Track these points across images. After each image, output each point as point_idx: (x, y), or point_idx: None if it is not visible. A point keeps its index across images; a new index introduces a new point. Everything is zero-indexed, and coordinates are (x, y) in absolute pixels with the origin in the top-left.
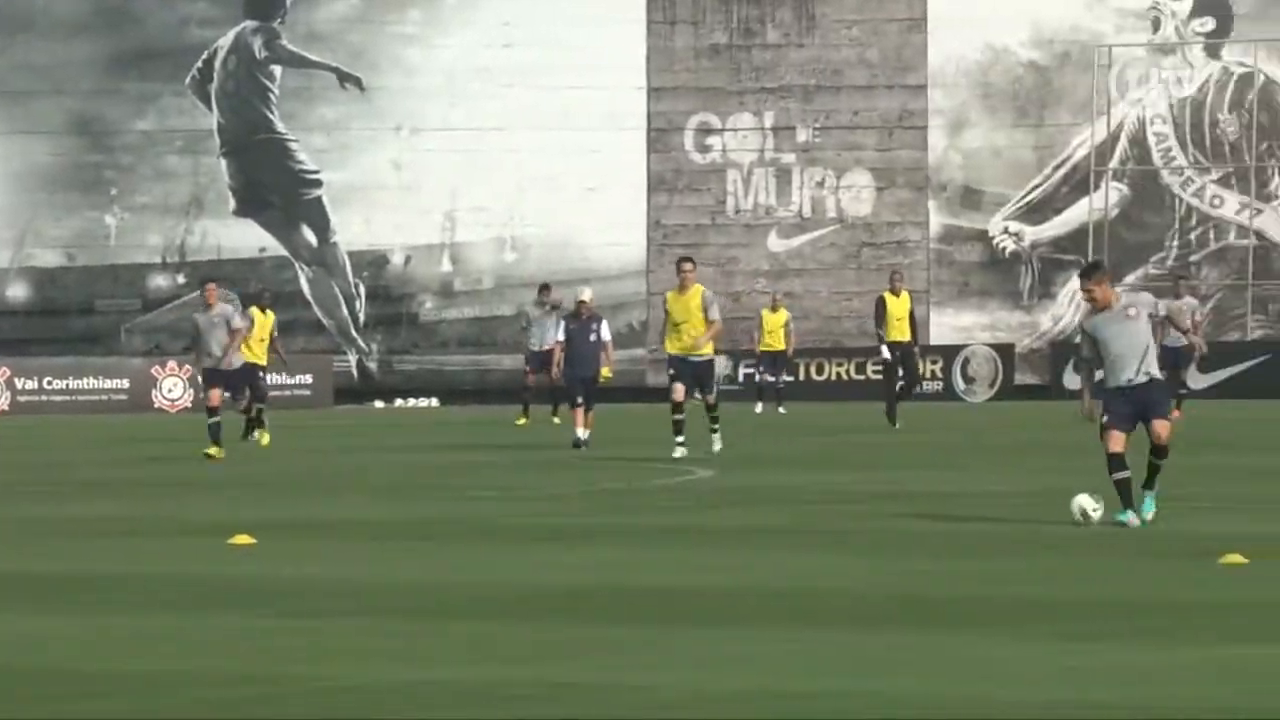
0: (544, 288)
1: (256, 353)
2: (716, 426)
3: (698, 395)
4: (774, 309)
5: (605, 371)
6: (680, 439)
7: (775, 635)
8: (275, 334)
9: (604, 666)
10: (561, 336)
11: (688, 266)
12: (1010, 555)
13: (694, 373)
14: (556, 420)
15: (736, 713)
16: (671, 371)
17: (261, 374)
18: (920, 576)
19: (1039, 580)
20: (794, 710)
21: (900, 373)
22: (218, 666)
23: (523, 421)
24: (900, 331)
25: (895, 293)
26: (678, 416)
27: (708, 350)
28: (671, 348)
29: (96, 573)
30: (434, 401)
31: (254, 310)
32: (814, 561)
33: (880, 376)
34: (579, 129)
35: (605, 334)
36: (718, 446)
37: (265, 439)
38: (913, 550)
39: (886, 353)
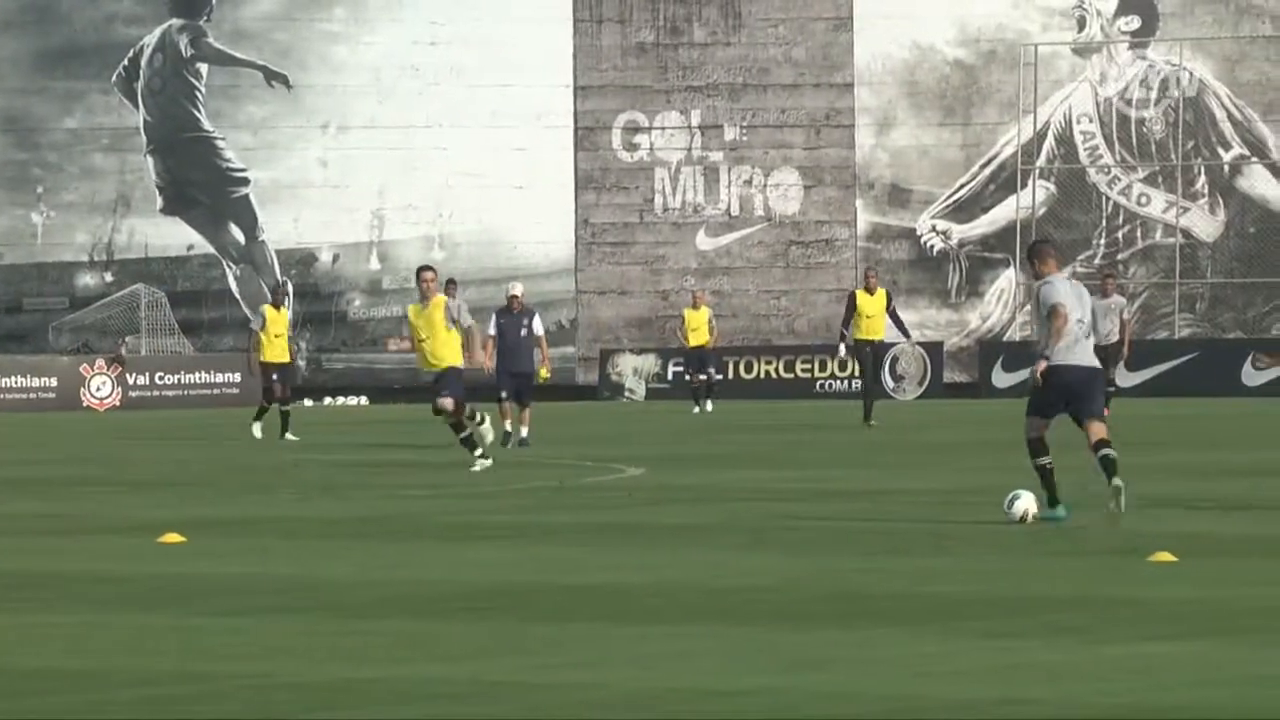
0: (449, 284)
1: (277, 348)
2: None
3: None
4: (695, 306)
5: (543, 373)
6: (477, 452)
7: (707, 633)
8: (292, 331)
9: (538, 665)
10: (492, 331)
11: (428, 275)
12: (940, 553)
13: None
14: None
15: (671, 710)
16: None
17: (283, 371)
18: (851, 574)
19: (968, 578)
20: (727, 708)
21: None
22: (151, 665)
23: None
24: (871, 330)
25: (870, 290)
26: (457, 427)
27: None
28: (422, 364)
29: (27, 571)
30: (363, 400)
31: (267, 308)
32: (745, 559)
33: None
34: (506, 127)
35: (538, 328)
36: (478, 467)
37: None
38: (843, 548)
39: (844, 352)
